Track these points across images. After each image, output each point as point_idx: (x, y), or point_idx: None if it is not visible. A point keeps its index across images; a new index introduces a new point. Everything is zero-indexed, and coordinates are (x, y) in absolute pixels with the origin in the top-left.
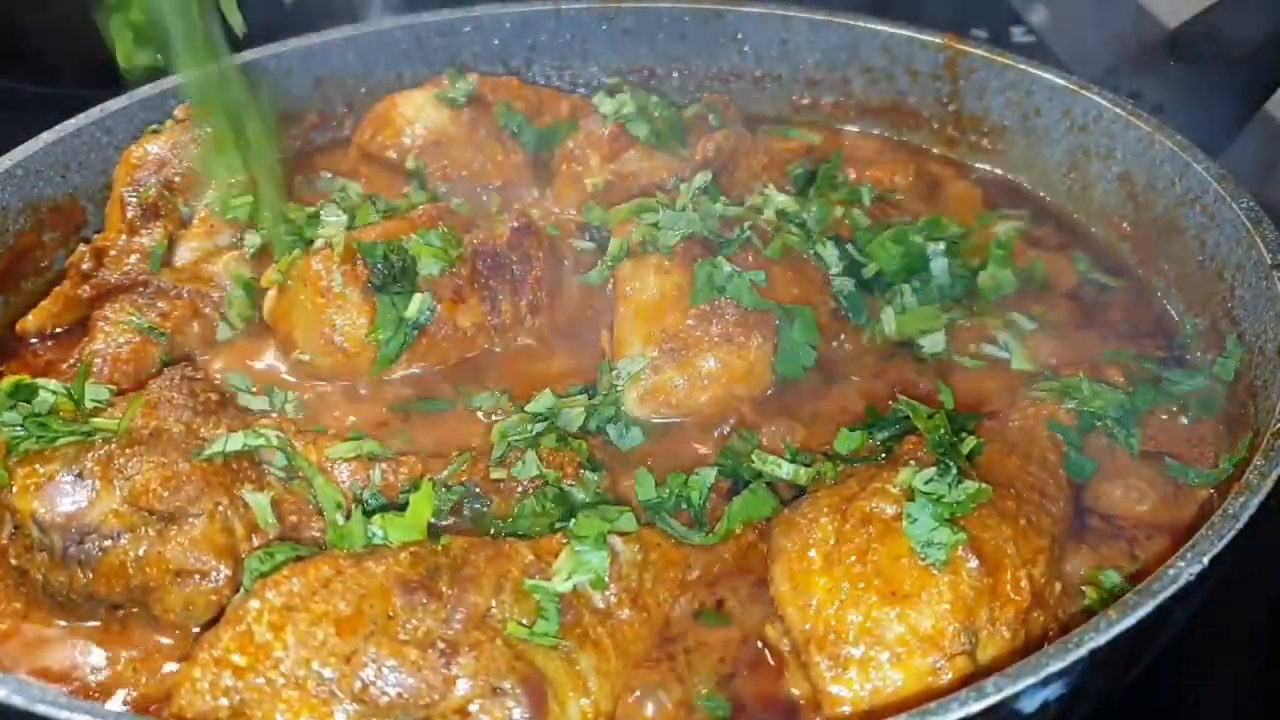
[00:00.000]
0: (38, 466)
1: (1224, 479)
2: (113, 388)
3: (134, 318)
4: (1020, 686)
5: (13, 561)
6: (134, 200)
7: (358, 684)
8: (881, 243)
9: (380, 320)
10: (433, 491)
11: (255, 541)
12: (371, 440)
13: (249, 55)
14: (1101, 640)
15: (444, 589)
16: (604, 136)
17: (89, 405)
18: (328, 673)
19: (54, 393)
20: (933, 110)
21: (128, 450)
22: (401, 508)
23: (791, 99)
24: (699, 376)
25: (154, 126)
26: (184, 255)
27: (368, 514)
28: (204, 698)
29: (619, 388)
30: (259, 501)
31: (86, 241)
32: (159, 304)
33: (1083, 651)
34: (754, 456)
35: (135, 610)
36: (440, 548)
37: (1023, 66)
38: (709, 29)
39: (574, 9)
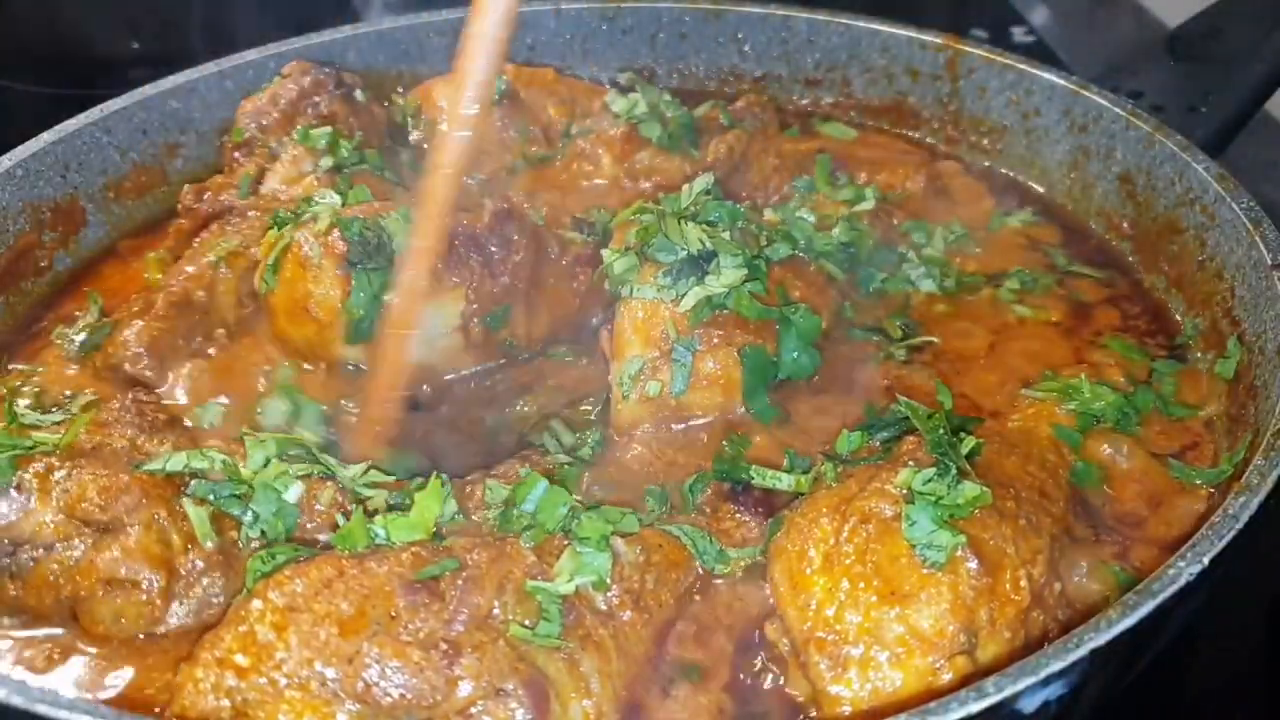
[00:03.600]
0: None
1: (1224, 479)
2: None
3: (223, 243)
4: (1020, 686)
5: None
6: (233, 143)
7: (360, 684)
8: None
9: (354, 294)
10: (441, 490)
11: (192, 554)
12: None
13: (250, 55)
14: (1101, 640)
15: (446, 589)
16: (615, 136)
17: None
18: (330, 673)
19: None
20: (933, 110)
21: (68, 463)
22: (406, 507)
23: (792, 99)
24: (698, 378)
25: (265, 85)
26: (270, 184)
27: (369, 514)
28: (206, 698)
29: (618, 388)
30: (198, 514)
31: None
32: (243, 229)
33: (1083, 651)
34: (753, 472)
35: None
36: (442, 548)
37: (1023, 66)
38: (709, 29)
39: (574, 9)
